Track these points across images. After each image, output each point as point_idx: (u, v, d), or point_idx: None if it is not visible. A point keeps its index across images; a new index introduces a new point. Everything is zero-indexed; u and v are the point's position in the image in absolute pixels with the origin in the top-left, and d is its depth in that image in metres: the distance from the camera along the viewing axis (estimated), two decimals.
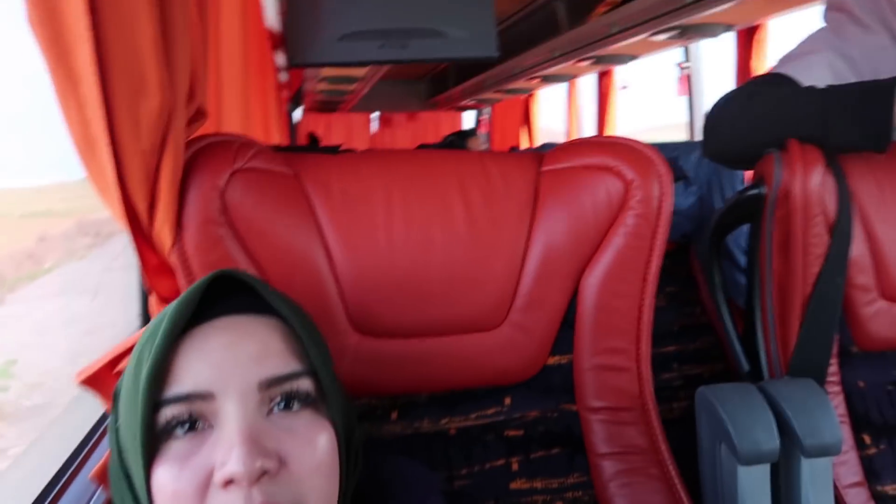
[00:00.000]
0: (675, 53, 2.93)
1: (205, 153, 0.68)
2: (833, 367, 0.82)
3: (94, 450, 0.94)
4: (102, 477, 0.66)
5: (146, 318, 1.09)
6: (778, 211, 0.81)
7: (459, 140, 3.01)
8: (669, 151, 1.33)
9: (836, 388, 0.82)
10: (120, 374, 0.69)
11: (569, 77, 3.72)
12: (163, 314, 0.48)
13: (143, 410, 0.44)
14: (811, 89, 0.86)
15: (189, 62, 0.66)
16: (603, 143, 0.78)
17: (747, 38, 2.60)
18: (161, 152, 0.62)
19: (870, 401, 0.82)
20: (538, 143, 4.26)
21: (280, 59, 3.00)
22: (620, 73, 3.38)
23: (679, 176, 1.36)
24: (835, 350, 0.82)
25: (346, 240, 0.70)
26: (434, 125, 5.10)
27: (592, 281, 0.75)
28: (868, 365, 0.84)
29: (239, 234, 0.68)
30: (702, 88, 2.94)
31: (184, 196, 0.65)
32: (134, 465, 0.46)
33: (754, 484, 0.67)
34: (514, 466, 0.73)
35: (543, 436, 0.75)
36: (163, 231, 0.64)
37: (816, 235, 0.80)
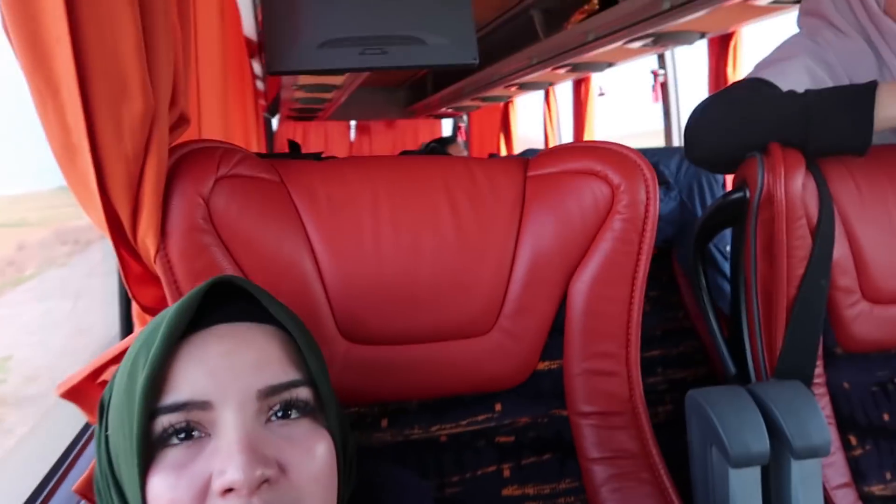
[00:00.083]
0: (651, 60, 2.97)
1: (188, 159, 0.66)
2: (818, 369, 0.82)
3: (76, 463, 0.92)
4: (87, 489, 0.65)
5: (127, 327, 1.07)
6: (761, 214, 0.82)
7: (441, 147, 3.01)
8: (650, 157, 1.33)
9: (822, 390, 0.82)
10: (103, 384, 0.67)
11: (546, 84, 3.75)
12: (158, 321, 0.47)
13: (140, 418, 0.43)
14: (791, 93, 0.87)
15: (171, 66, 0.65)
16: (588, 148, 0.78)
17: (721, 46, 2.64)
18: (144, 158, 0.60)
19: (855, 402, 0.83)
20: (516, 150, 4.28)
21: (257, 67, 2.98)
22: (597, 80, 3.42)
23: (660, 181, 1.37)
24: (819, 352, 0.83)
25: (333, 246, 0.70)
26: (412, 133, 5.10)
27: (581, 286, 0.75)
28: (852, 366, 0.84)
29: (224, 242, 0.66)
30: (677, 95, 2.98)
31: (167, 203, 0.64)
32: (127, 475, 0.44)
33: (745, 487, 0.67)
34: (506, 473, 0.72)
35: (534, 442, 0.74)
36: (146, 239, 0.63)
37: (800, 238, 0.81)
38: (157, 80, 0.61)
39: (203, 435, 0.45)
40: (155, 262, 0.64)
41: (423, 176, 0.75)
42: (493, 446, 0.74)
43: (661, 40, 2.58)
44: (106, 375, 0.67)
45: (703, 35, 2.57)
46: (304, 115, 4.40)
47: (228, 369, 0.45)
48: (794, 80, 0.95)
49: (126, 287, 0.68)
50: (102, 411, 0.49)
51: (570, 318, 0.75)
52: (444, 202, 0.73)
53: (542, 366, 0.75)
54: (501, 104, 4.36)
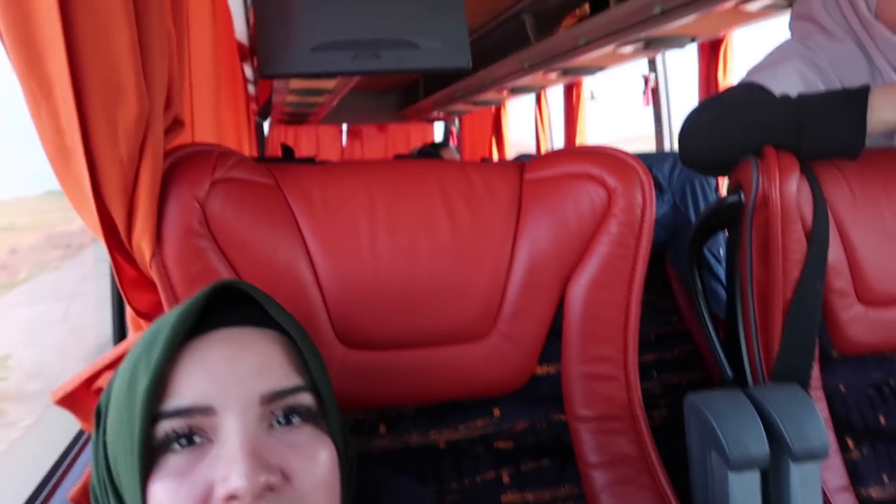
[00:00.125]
0: (642, 65, 2.98)
1: (184, 163, 0.66)
2: (815, 372, 0.83)
3: (70, 470, 0.91)
4: (83, 497, 0.64)
5: (120, 331, 1.06)
6: (757, 217, 0.82)
7: (434, 151, 3.02)
8: (643, 161, 1.34)
9: (819, 393, 0.83)
10: (98, 391, 0.66)
11: (538, 88, 3.75)
12: (159, 325, 0.47)
13: (141, 424, 0.42)
14: (784, 98, 0.87)
15: (166, 69, 0.65)
16: (585, 152, 0.78)
17: (711, 50, 2.66)
18: (139, 162, 0.60)
19: (851, 405, 0.83)
20: (508, 154, 4.28)
21: (248, 70, 2.97)
22: (588, 84, 3.43)
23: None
24: (816, 355, 0.83)
25: (329, 250, 0.69)
26: (404, 137, 5.10)
27: (578, 289, 0.75)
28: (848, 369, 0.85)
29: (220, 246, 0.66)
30: (668, 100, 2.99)
31: (163, 207, 0.63)
32: (127, 481, 0.44)
33: (745, 490, 0.67)
34: (505, 479, 0.72)
35: (533, 447, 0.74)
36: (141, 243, 0.62)
37: (795, 241, 0.81)
38: (152, 83, 0.60)
39: (205, 441, 0.44)
40: (150, 266, 0.63)
41: (419, 179, 0.75)
42: (491, 452, 0.73)
43: (652, 45, 2.59)
44: (101, 382, 0.66)
45: (693, 39, 2.58)
46: (296, 118, 4.39)
47: (231, 374, 0.45)
48: (786, 84, 0.95)
49: (121, 292, 0.68)
50: (99, 417, 0.48)
51: (568, 322, 0.75)
52: (441, 206, 0.73)
53: (540, 370, 0.75)
54: (493, 108, 4.36)
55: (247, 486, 0.40)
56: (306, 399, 0.47)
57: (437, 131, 5.30)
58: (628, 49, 2.63)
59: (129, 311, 0.72)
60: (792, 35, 1.10)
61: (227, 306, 0.49)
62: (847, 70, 1.01)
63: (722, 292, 1.30)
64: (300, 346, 0.49)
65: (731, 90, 0.97)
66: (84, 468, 0.92)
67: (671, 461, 0.80)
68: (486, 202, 0.74)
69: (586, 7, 2.68)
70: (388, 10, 1.41)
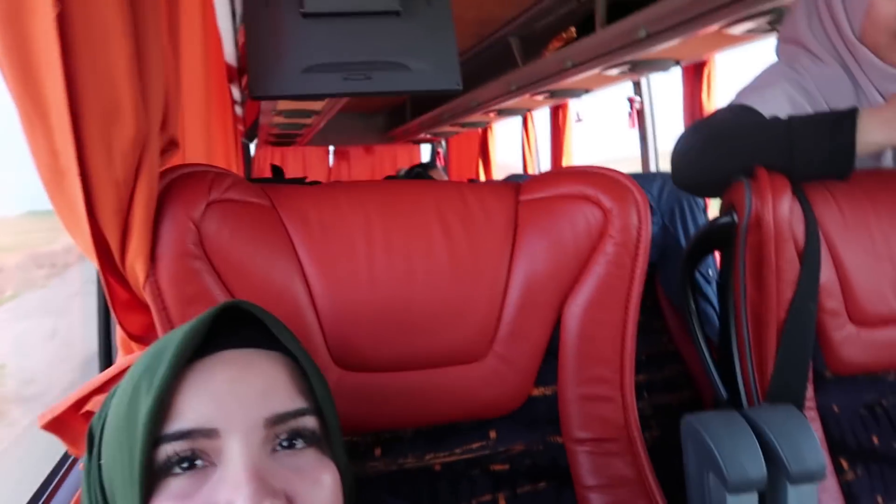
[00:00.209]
0: (627, 87, 3.02)
1: (179, 184, 0.65)
2: (808, 392, 0.83)
3: (54, 496, 0.88)
4: None
5: (106, 351, 1.04)
6: (750, 238, 0.82)
7: (424, 171, 3.03)
8: None
9: (813, 413, 0.83)
10: (87, 415, 0.65)
11: (524, 110, 3.79)
12: (161, 345, 0.46)
13: (142, 446, 0.41)
14: (774, 120, 0.89)
15: (163, 90, 0.64)
16: (580, 173, 0.78)
17: (695, 73, 2.70)
18: (135, 183, 0.59)
19: (844, 425, 0.83)
20: (495, 175, 4.31)
21: (236, 92, 2.97)
22: (574, 106, 3.46)
23: None
24: (809, 375, 0.83)
25: (325, 272, 0.69)
26: (391, 158, 5.11)
27: (574, 310, 0.75)
28: (841, 389, 0.85)
29: (215, 267, 0.65)
30: (653, 122, 3.03)
31: (158, 228, 0.63)
32: None
33: None
34: (501, 502, 0.71)
35: (530, 469, 0.73)
36: (135, 265, 0.61)
37: (788, 261, 0.82)
38: (148, 104, 0.60)
39: (207, 464, 0.43)
40: (144, 288, 0.63)
41: (414, 200, 0.75)
42: (487, 475, 0.72)
43: (637, 68, 2.63)
44: (90, 406, 0.65)
45: (677, 62, 2.62)
46: (283, 140, 4.39)
47: (235, 397, 0.44)
48: (775, 106, 0.96)
49: (112, 314, 0.66)
50: (92, 441, 0.47)
51: (565, 343, 0.75)
52: (437, 227, 0.73)
53: (537, 391, 0.75)
54: (480, 130, 4.39)
55: None
56: (310, 422, 0.46)
57: (424, 153, 5.32)
58: (614, 72, 2.67)
59: (118, 333, 0.71)
60: (779, 58, 1.12)
61: (231, 327, 0.48)
62: (833, 92, 1.03)
63: (712, 312, 1.30)
64: (305, 368, 0.48)
65: (721, 112, 0.98)
66: (69, 494, 0.90)
67: (665, 483, 0.80)
68: (482, 223, 0.74)
69: (572, 30, 2.72)
70: (379, 32, 1.42)
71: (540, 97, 3.21)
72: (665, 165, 2.98)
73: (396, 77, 1.47)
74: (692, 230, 1.45)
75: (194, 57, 1.35)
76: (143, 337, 0.68)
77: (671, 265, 1.38)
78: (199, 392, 0.44)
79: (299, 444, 0.46)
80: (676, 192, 1.44)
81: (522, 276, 0.73)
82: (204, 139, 1.39)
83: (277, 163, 4.69)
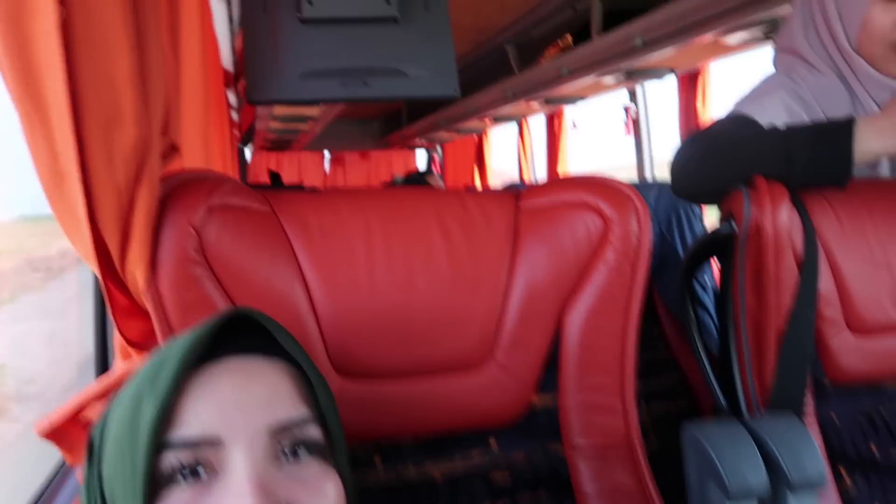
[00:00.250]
0: (623, 95, 3.03)
1: (180, 189, 0.65)
2: (808, 401, 0.83)
3: None
4: None
5: (103, 355, 1.04)
6: (749, 246, 0.83)
7: (422, 178, 3.03)
8: None
9: (812, 422, 0.83)
10: (85, 423, 0.64)
11: (520, 117, 3.80)
12: (165, 352, 0.45)
13: (146, 455, 0.41)
14: (772, 129, 0.89)
15: (164, 95, 0.64)
16: (580, 181, 0.78)
17: (690, 81, 2.71)
18: (136, 187, 0.59)
19: (844, 434, 0.83)
20: (491, 182, 4.31)
21: (231, 97, 2.97)
22: (570, 112, 3.48)
23: None
24: (809, 384, 0.83)
25: (325, 278, 0.68)
26: (386, 164, 5.12)
27: (575, 318, 0.75)
28: (840, 398, 0.85)
29: (215, 273, 0.65)
30: (648, 130, 3.04)
31: (158, 233, 0.62)
32: None
33: None
34: None
35: (530, 478, 0.73)
36: (136, 270, 0.61)
37: (787, 270, 0.82)
38: (149, 108, 0.60)
39: (210, 473, 0.43)
40: (144, 294, 0.62)
41: (415, 207, 0.75)
42: (487, 484, 0.72)
43: (633, 76, 2.64)
44: (88, 413, 0.64)
45: (672, 71, 2.64)
46: (279, 145, 4.39)
47: (239, 405, 0.43)
48: (772, 115, 0.97)
49: (111, 319, 0.66)
50: (92, 450, 0.47)
51: (565, 351, 0.74)
52: (438, 234, 0.72)
53: (538, 400, 0.74)
54: (476, 136, 4.40)
55: None
56: (314, 431, 0.46)
57: (420, 159, 5.33)
58: (609, 79, 2.68)
59: (117, 338, 0.71)
60: (776, 68, 1.12)
61: (234, 334, 0.48)
62: (829, 102, 1.03)
63: (708, 321, 1.31)
64: (309, 376, 0.48)
65: (719, 122, 0.99)
66: (66, 502, 0.89)
67: (665, 491, 0.80)
68: (483, 230, 0.74)
69: (568, 38, 2.73)
70: (377, 38, 1.42)
71: (536, 104, 3.22)
72: (660, 174, 2.99)
73: (394, 83, 1.47)
74: (689, 238, 1.46)
75: (193, 61, 1.35)
76: (141, 343, 0.68)
77: (668, 273, 1.38)
78: (203, 400, 0.44)
79: (303, 453, 0.45)
80: (673, 201, 1.45)
81: (523, 284, 0.73)
82: (202, 144, 1.39)
83: (273, 168, 4.68)
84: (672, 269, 1.40)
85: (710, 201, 0.96)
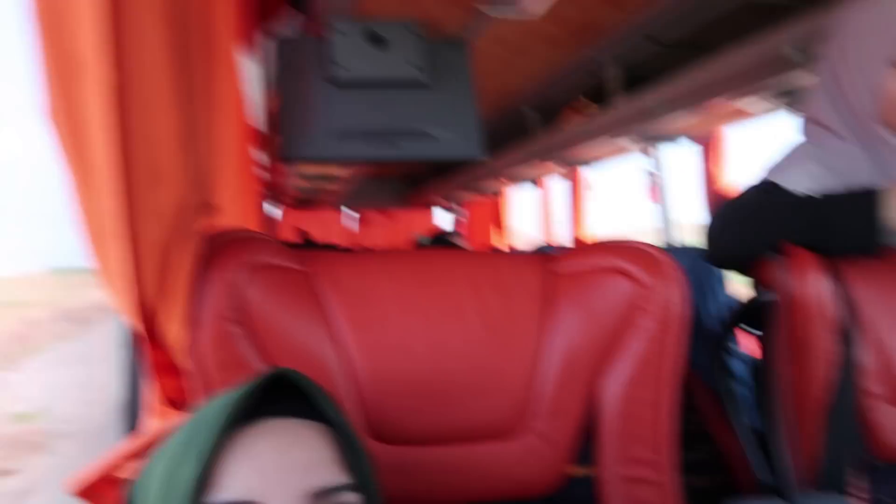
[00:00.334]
0: (640, 157, 3.06)
1: (220, 247, 0.65)
2: (855, 479, 0.79)
3: None
4: None
5: (132, 415, 1.03)
6: (785, 316, 0.81)
7: (450, 240, 3.05)
8: None
9: (859, 500, 0.79)
10: (116, 483, 0.63)
11: (540, 178, 3.83)
12: (205, 412, 0.45)
13: None
14: (803, 197, 0.89)
15: (205, 155, 0.65)
16: (614, 246, 0.78)
17: (708, 146, 2.73)
18: (177, 245, 0.59)
19: None
20: (511, 242, 4.32)
21: (260, 156, 3.03)
22: (588, 175, 3.50)
23: None
24: (856, 461, 0.80)
25: (360, 341, 0.68)
26: (408, 223, 5.15)
27: (611, 386, 0.73)
28: (887, 476, 0.81)
29: (252, 332, 0.64)
30: (668, 193, 3.05)
31: (198, 291, 0.62)
32: None
33: None
34: None
35: None
36: (174, 328, 0.61)
37: (826, 341, 0.80)
38: (191, 168, 0.61)
39: None
40: (182, 352, 0.62)
41: (448, 269, 0.74)
42: None
43: (652, 140, 2.67)
44: (122, 472, 0.63)
45: (690, 136, 2.66)
46: (305, 203, 4.45)
47: (279, 468, 0.42)
48: (802, 184, 0.97)
49: (149, 376, 0.65)
50: None
51: (602, 420, 0.72)
52: (472, 297, 0.72)
53: (575, 471, 0.72)
54: (495, 197, 4.44)
55: None
56: (353, 498, 0.45)
57: (440, 218, 5.36)
58: (627, 143, 2.71)
59: (150, 395, 0.70)
60: (804, 136, 1.13)
61: (273, 395, 0.47)
62: (857, 170, 1.03)
63: (739, 390, 1.27)
64: (349, 442, 0.47)
65: (750, 190, 0.99)
66: None
67: None
68: (516, 294, 0.73)
69: (587, 102, 2.78)
70: (406, 101, 1.45)
71: (555, 165, 3.25)
72: (680, 236, 2.98)
73: (422, 145, 1.50)
74: (713, 305, 1.44)
75: (227, 121, 1.38)
76: (176, 401, 0.67)
77: (697, 341, 1.36)
78: (243, 462, 0.43)
79: None
80: (698, 267, 1.44)
81: (557, 350, 0.72)
82: (233, 202, 1.41)
83: (298, 225, 4.73)
84: (699, 336, 1.38)
85: (743, 270, 0.95)
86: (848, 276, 0.85)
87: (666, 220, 2.94)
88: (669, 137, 2.63)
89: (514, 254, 0.81)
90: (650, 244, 0.78)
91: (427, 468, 0.67)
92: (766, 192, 0.96)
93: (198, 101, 0.63)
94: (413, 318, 0.69)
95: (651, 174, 2.96)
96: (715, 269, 1.43)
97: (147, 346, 0.63)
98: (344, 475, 0.45)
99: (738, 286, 1.00)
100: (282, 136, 1.40)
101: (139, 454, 0.63)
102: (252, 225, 2.12)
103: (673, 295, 0.74)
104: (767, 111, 2.11)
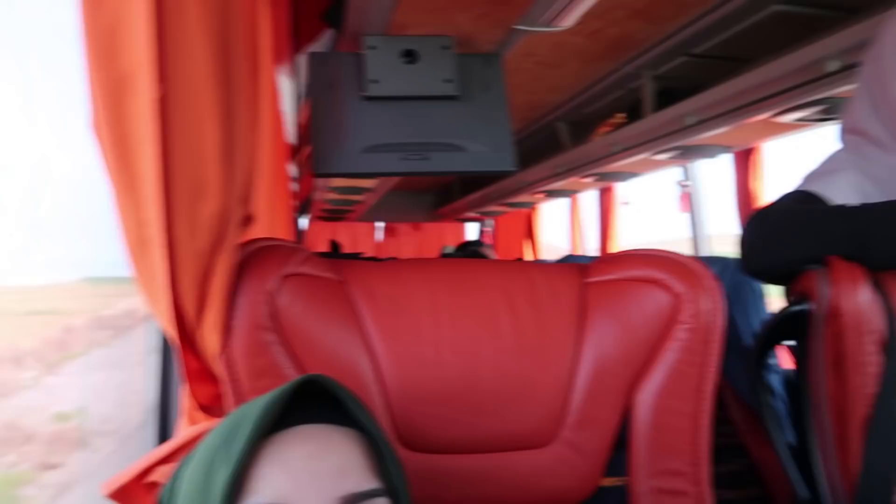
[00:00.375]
0: (676, 170, 3.03)
1: (255, 257, 0.66)
2: None
3: None
4: None
5: (164, 420, 1.05)
6: (827, 328, 0.79)
7: (478, 250, 3.05)
8: None
9: None
10: (151, 486, 0.64)
11: (571, 192, 3.82)
12: (238, 417, 0.46)
13: None
14: (845, 207, 0.87)
15: (245, 166, 0.67)
16: (648, 256, 0.77)
17: (744, 158, 2.69)
18: (215, 255, 0.60)
19: None
20: (541, 255, 4.31)
21: (291, 169, 3.07)
22: (622, 189, 3.48)
23: None
24: None
25: (392, 349, 0.68)
26: (438, 236, 5.17)
27: (645, 397, 0.72)
28: None
29: (286, 340, 0.65)
30: (702, 205, 3.01)
31: (234, 299, 0.64)
32: None
33: None
34: None
35: None
36: (211, 335, 0.62)
37: (870, 354, 0.78)
38: (232, 179, 0.62)
39: None
40: (217, 358, 0.63)
41: (481, 279, 0.74)
42: None
43: (686, 153, 2.64)
44: (155, 476, 0.64)
45: (726, 149, 2.63)
46: (334, 215, 4.50)
47: (310, 473, 0.43)
48: (842, 193, 0.95)
49: (182, 381, 0.67)
50: None
51: (635, 432, 0.72)
52: (504, 306, 0.72)
53: (607, 482, 0.71)
54: (526, 210, 4.43)
55: None
56: None
57: (471, 231, 5.37)
58: (662, 157, 2.68)
59: (184, 401, 0.71)
60: (843, 145, 1.11)
61: (306, 401, 0.48)
62: None
63: (775, 403, 1.25)
64: (381, 448, 0.47)
65: (785, 199, 0.97)
66: None
67: None
68: (549, 304, 0.73)
69: (620, 116, 2.76)
70: (437, 114, 1.47)
71: (587, 180, 3.24)
72: (715, 249, 2.94)
73: (453, 158, 1.51)
74: (752, 317, 1.41)
75: (265, 135, 1.41)
76: (210, 407, 0.68)
77: (731, 353, 1.34)
78: (275, 467, 0.43)
79: None
80: (734, 278, 1.41)
81: (591, 360, 0.71)
82: (266, 214, 1.44)
83: (327, 237, 4.78)
84: (735, 348, 1.35)
85: (780, 281, 0.94)
86: (891, 287, 0.83)
87: (699, 232, 2.91)
88: (705, 151, 2.60)
89: (552, 264, 0.80)
90: (685, 254, 0.77)
91: (457, 477, 0.67)
92: (806, 202, 0.94)
93: (239, 116, 0.65)
94: (445, 327, 0.69)
95: (684, 186, 2.93)
96: (748, 278, 1.40)
97: (182, 352, 0.64)
98: (375, 481, 0.46)
99: (779, 299, 0.99)
100: (314, 150, 1.43)
101: (171, 459, 0.64)
102: (283, 236, 2.16)
103: (709, 305, 0.73)
104: (803, 121, 2.07)
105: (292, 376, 0.65)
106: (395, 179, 3.06)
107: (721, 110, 2.11)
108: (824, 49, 1.41)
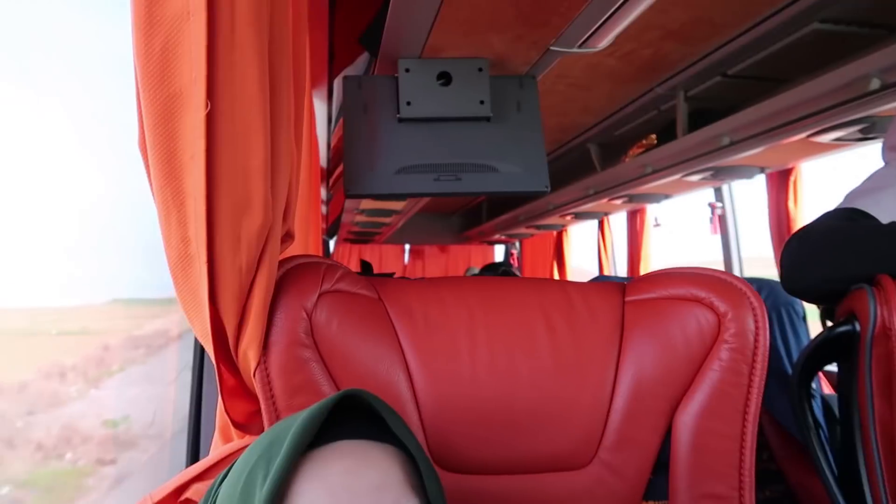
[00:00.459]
0: (708, 191, 2.99)
1: (294, 273, 0.67)
2: None
3: None
4: None
5: (196, 436, 1.06)
6: (876, 349, 0.77)
7: (509, 269, 3.04)
8: None
9: None
10: (185, 502, 0.64)
11: (601, 214, 3.79)
12: (277, 432, 0.46)
13: None
14: (890, 225, 0.85)
15: (287, 184, 0.67)
16: (689, 275, 0.76)
17: (780, 179, 2.65)
18: (256, 272, 0.61)
19: None
20: (570, 278, 4.28)
21: (322, 191, 3.11)
22: (653, 210, 3.44)
23: None
24: None
25: (428, 367, 0.68)
26: (465, 258, 5.18)
27: (687, 418, 0.70)
28: None
29: (323, 357, 0.65)
30: (735, 227, 2.97)
31: (272, 316, 0.64)
32: None
33: None
34: None
35: None
36: (248, 351, 0.62)
37: None
38: (275, 197, 0.63)
39: None
40: (254, 375, 0.63)
41: (518, 298, 0.74)
42: None
43: (720, 174, 2.61)
44: (190, 494, 0.64)
45: (761, 170, 2.59)
46: (362, 237, 4.53)
47: (349, 490, 0.43)
48: (889, 210, 0.93)
49: (220, 399, 0.67)
50: None
51: (676, 454, 0.70)
52: (541, 325, 0.71)
53: None
54: (555, 232, 4.41)
55: None
56: None
57: (498, 254, 5.37)
58: (695, 178, 2.65)
59: (219, 418, 0.72)
60: (887, 164, 1.09)
61: (344, 417, 0.48)
62: None
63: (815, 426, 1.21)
64: (419, 465, 0.46)
65: (830, 215, 0.95)
66: None
67: None
68: (588, 322, 0.72)
69: (653, 137, 2.74)
70: (469, 136, 1.47)
71: (618, 201, 3.21)
72: (749, 271, 2.88)
73: (486, 178, 1.51)
74: (791, 338, 1.38)
75: (303, 156, 1.43)
76: (245, 424, 0.68)
77: (771, 375, 1.30)
78: (314, 483, 0.43)
79: None
80: (773, 299, 1.38)
81: (630, 380, 0.70)
82: (302, 234, 1.45)
83: (355, 259, 4.82)
84: (773, 371, 1.32)
85: (825, 300, 0.91)
86: None
87: (731, 255, 2.86)
88: (739, 171, 2.56)
89: (590, 283, 0.79)
90: (727, 273, 0.76)
91: (491, 499, 0.66)
92: (850, 220, 0.92)
93: (282, 135, 0.66)
94: (481, 346, 0.69)
95: (718, 208, 2.89)
96: (787, 301, 1.37)
97: (219, 368, 0.64)
98: (413, 497, 0.45)
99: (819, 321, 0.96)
100: (346, 172, 1.44)
101: (206, 476, 0.64)
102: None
103: (753, 324, 0.71)
104: (840, 141, 2.03)
105: (328, 393, 0.65)
106: (424, 201, 3.07)
107: (756, 130, 2.08)
108: (866, 67, 1.39)
